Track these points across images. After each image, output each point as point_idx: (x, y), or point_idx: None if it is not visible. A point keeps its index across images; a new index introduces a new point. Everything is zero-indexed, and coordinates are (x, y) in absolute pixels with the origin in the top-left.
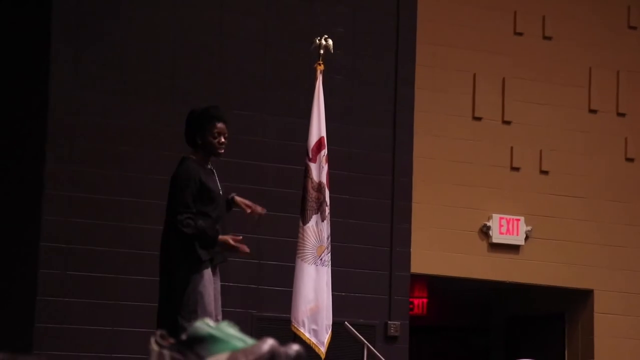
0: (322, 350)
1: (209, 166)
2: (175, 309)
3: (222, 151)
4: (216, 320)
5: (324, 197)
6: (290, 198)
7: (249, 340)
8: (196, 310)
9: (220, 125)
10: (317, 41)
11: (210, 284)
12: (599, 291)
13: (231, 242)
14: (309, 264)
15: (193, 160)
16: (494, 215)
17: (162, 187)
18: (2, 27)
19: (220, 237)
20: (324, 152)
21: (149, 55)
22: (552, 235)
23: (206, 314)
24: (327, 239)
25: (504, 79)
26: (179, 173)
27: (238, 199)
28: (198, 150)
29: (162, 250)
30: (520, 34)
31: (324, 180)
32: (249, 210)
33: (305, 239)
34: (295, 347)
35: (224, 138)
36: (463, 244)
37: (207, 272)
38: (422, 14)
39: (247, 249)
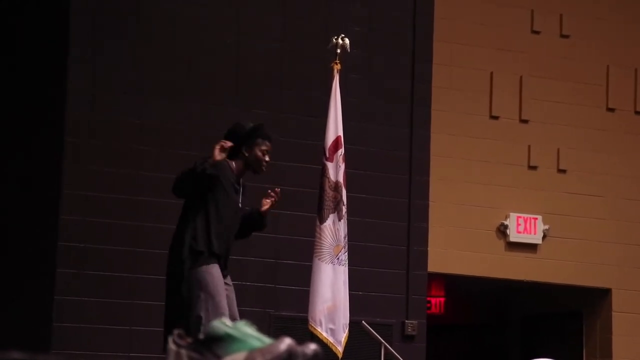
0: (340, 349)
1: (240, 180)
2: (187, 309)
3: (264, 170)
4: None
5: (341, 196)
6: (307, 197)
7: (266, 340)
8: (207, 309)
9: (269, 144)
10: (334, 40)
11: (220, 282)
12: (616, 290)
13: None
14: (326, 263)
15: (230, 165)
16: (511, 214)
17: None
18: (20, 25)
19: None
20: (341, 151)
21: (166, 54)
22: (569, 234)
23: (219, 313)
24: (344, 238)
25: (521, 77)
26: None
27: (264, 206)
28: (239, 161)
29: (171, 252)
30: (538, 32)
31: (341, 179)
32: (272, 201)
33: (322, 238)
34: (312, 347)
35: (268, 158)
36: (480, 242)
37: (217, 272)
38: (439, 12)
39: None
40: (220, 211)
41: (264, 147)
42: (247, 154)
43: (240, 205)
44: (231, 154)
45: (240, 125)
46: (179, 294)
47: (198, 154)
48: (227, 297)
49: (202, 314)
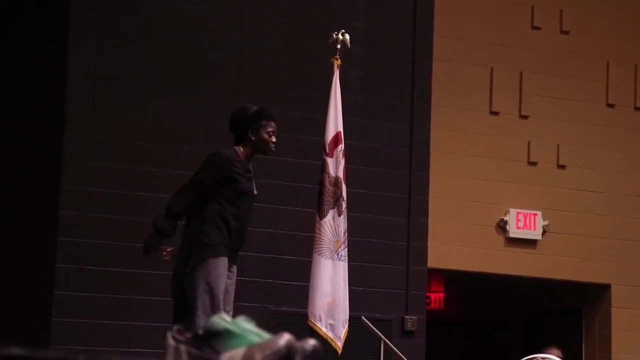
0: (339, 344)
1: (250, 165)
2: (187, 301)
3: (273, 150)
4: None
5: (341, 192)
6: (307, 193)
7: (266, 335)
8: (204, 302)
9: (274, 125)
10: (335, 36)
11: (222, 277)
12: (616, 286)
13: (152, 243)
14: (325, 258)
15: (238, 152)
16: (511, 209)
17: (180, 182)
18: (22, 22)
19: (153, 234)
20: (341, 146)
21: (167, 51)
22: (569, 229)
23: (213, 306)
24: (344, 233)
25: (521, 73)
26: (217, 153)
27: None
28: (247, 146)
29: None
30: (538, 28)
31: (341, 175)
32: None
33: (322, 233)
34: (311, 342)
35: (275, 139)
36: (480, 238)
37: (222, 265)
38: (440, 8)
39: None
40: (236, 203)
41: (269, 129)
42: (254, 138)
43: (255, 191)
44: (238, 139)
45: (243, 109)
46: (184, 284)
47: (198, 150)
48: (226, 289)
49: (197, 307)
